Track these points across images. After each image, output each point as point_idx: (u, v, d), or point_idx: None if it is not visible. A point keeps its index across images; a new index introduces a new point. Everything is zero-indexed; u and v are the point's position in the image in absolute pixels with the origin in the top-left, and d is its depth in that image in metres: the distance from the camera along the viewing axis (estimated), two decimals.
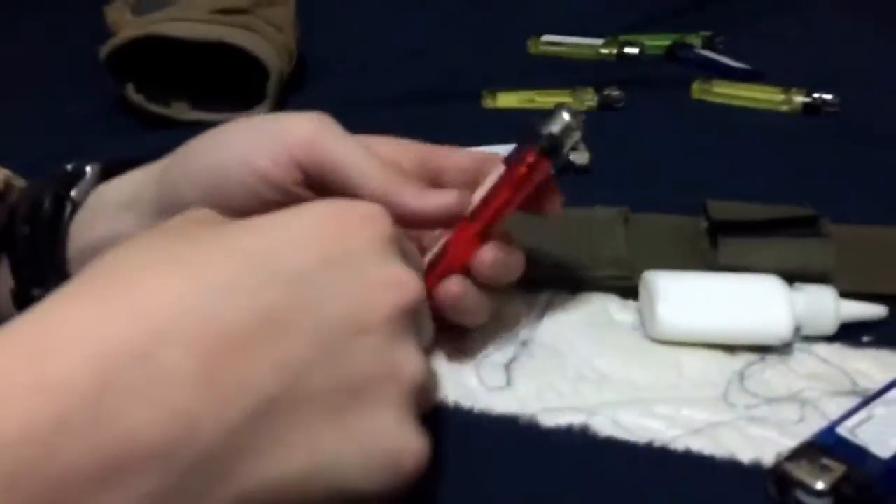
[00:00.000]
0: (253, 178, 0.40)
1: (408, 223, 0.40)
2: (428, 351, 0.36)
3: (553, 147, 0.43)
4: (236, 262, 0.30)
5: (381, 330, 0.31)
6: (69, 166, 0.46)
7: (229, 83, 0.76)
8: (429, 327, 0.37)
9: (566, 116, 0.43)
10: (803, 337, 0.47)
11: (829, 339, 0.47)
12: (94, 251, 0.39)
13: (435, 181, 0.45)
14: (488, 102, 0.79)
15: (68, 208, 0.44)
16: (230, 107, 0.74)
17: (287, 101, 0.78)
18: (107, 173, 0.46)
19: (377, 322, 0.31)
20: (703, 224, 0.54)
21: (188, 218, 0.33)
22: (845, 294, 0.48)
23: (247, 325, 0.29)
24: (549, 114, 0.43)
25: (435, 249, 0.44)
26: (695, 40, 0.90)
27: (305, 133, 0.40)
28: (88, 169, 0.46)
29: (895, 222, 0.53)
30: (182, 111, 0.75)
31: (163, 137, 0.57)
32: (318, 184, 0.41)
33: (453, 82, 0.83)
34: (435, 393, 0.37)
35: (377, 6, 1.02)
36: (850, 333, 0.47)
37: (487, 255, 0.43)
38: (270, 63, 0.74)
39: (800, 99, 0.76)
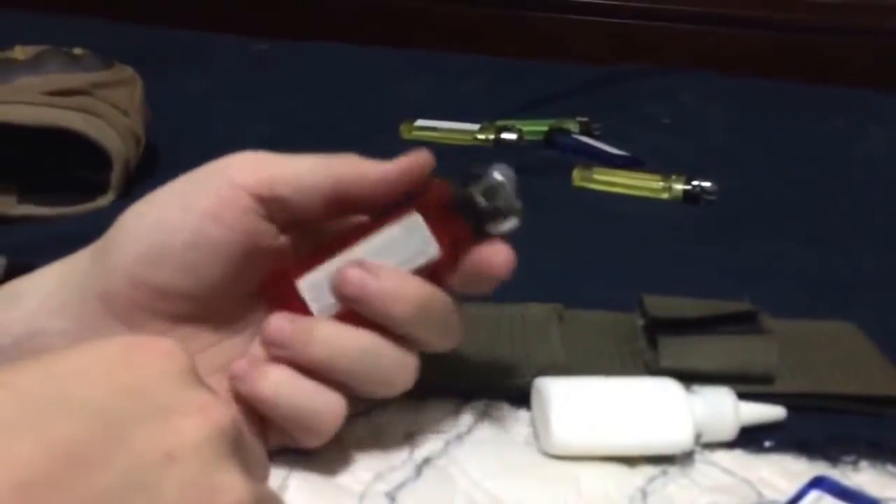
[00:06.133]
0: (200, 220, 0.37)
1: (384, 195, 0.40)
2: (262, 480, 0.35)
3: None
4: (14, 401, 0.27)
5: (192, 457, 0.29)
6: None
7: (66, 173, 0.69)
8: (259, 456, 0.35)
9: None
10: (703, 444, 0.44)
11: (730, 444, 0.44)
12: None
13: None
14: None
15: None
16: (67, 199, 0.66)
17: (134, 190, 0.70)
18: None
19: (186, 449, 0.29)
20: (640, 321, 0.51)
21: None
22: (786, 395, 0.46)
23: (40, 464, 0.26)
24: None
25: None
26: (572, 126, 0.88)
27: (244, 159, 0.38)
28: None
29: (775, 313, 0.51)
30: (8, 206, 0.66)
31: None
32: (277, 210, 0.38)
33: None
34: None
35: (234, 91, 0.96)
36: (750, 438, 0.45)
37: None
38: (114, 150, 0.67)
39: (679, 186, 0.75)
